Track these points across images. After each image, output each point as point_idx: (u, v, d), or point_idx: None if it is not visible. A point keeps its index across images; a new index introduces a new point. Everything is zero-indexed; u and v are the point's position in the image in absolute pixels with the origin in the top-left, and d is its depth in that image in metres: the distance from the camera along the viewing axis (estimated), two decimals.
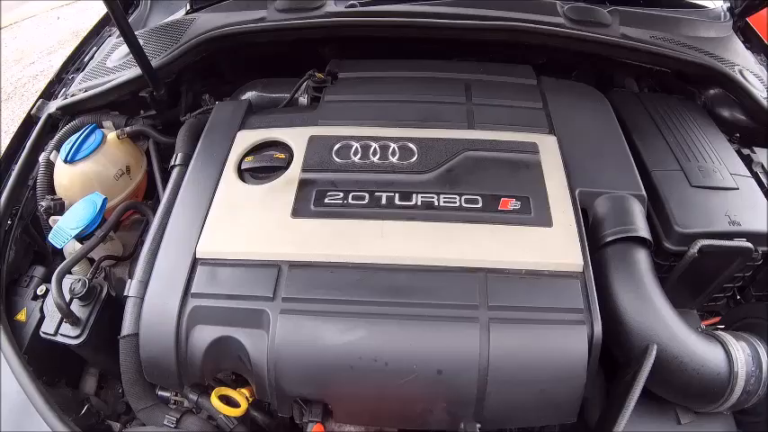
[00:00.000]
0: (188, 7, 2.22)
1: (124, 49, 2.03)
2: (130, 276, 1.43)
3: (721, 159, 1.65)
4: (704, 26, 2.12)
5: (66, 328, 1.40)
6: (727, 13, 2.22)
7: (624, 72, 2.17)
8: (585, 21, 1.93)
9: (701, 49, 1.95)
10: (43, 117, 1.91)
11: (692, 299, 1.60)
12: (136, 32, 1.72)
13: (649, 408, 1.33)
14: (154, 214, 1.54)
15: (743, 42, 2.15)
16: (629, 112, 1.81)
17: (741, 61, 1.98)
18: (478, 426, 1.25)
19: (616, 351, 1.31)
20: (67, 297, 1.40)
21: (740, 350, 1.25)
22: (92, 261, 1.59)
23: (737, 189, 1.56)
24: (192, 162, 1.59)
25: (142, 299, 1.34)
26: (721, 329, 1.46)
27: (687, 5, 2.31)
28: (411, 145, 1.56)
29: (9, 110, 4.83)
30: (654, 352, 1.21)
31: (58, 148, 1.78)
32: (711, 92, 1.99)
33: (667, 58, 1.91)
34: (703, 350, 1.25)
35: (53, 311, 1.40)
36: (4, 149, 1.85)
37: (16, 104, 4.89)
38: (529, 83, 1.83)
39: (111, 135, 1.83)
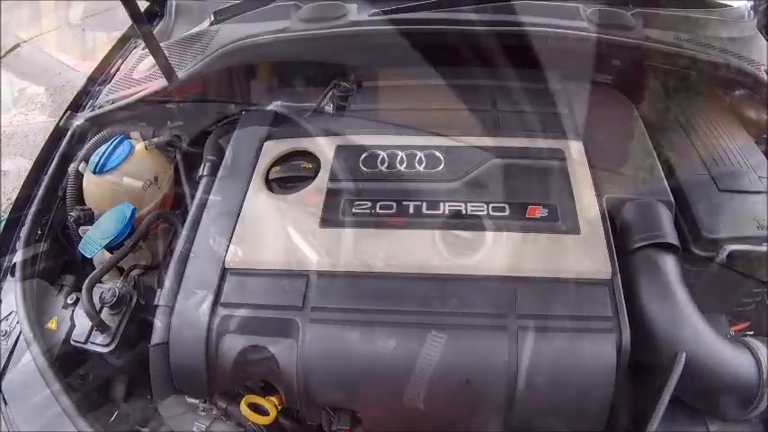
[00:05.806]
0: (212, 18, 2.24)
1: (150, 60, 2.05)
2: (159, 285, 1.45)
3: (749, 163, 1.62)
4: (728, 26, 2.08)
5: (97, 336, 1.41)
6: (751, 12, 2.18)
7: (649, 75, 2.14)
8: (609, 24, 1.91)
9: (726, 49, 1.91)
10: (71, 128, 1.93)
11: (721, 304, 1.57)
12: (161, 44, 1.73)
13: (678, 415, 1.31)
14: (182, 224, 1.56)
15: None
16: (655, 115, 1.79)
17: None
18: None
19: (644, 358, 1.29)
20: (98, 306, 1.42)
21: None
22: (121, 270, 1.61)
23: (766, 193, 1.53)
24: (220, 172, 1.61)
25: (172, 308, 1.35)
26: (750, 335, 1.44)
27: (710, 5, 2.28)
28: (437, 153, 1.57)
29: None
30: (683, 360, 1.19)
31: (86, 159, 1.80)
32: (738, 93, 1.96)
33: (692, 59, 1.89)
34: (732, 357, 1.23)
35: (83, 320, 1.42)
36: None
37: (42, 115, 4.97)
38: (554, 88, 1.82)
39: (139, 146, 1.85)
